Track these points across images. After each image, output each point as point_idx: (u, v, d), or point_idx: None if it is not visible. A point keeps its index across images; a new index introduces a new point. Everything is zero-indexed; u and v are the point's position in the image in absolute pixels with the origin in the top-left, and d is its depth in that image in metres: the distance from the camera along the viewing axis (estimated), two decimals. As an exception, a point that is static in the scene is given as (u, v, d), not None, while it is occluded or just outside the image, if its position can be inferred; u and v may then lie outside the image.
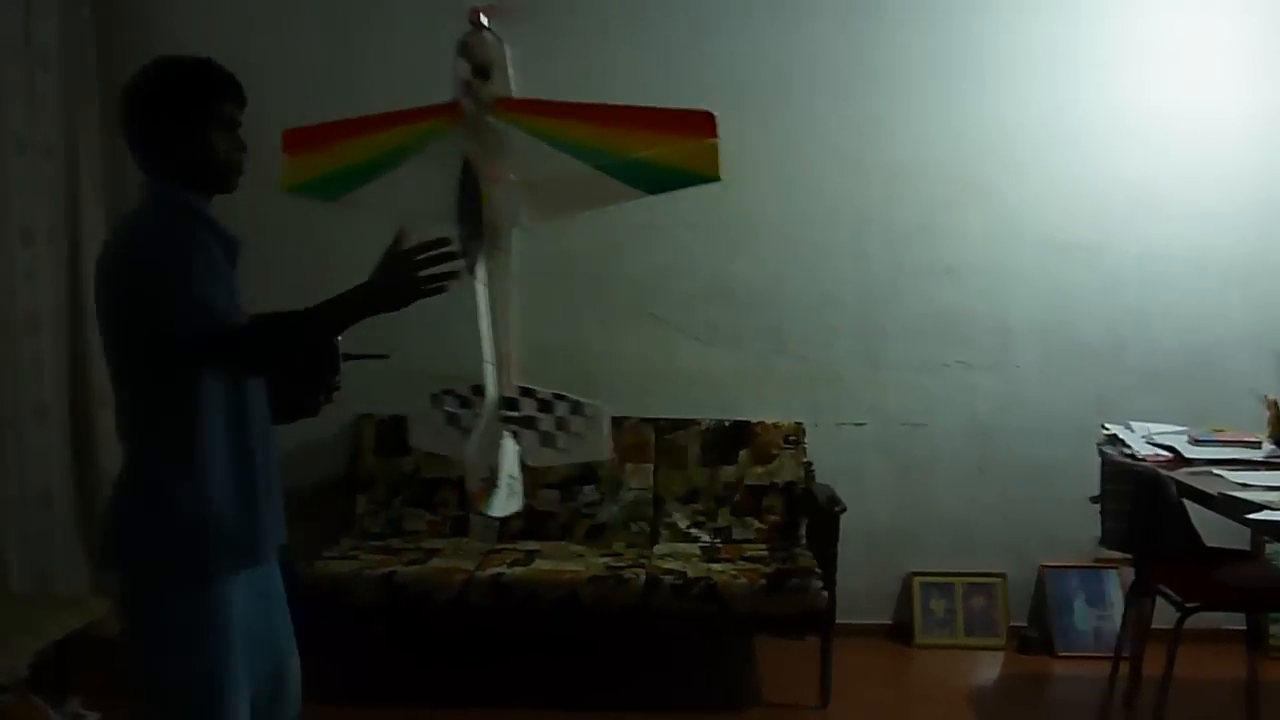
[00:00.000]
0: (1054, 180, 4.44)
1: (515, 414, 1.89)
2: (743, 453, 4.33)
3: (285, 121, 2.41)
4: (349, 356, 2.31)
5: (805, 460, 4.34)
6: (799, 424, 4.38)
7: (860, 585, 4.26)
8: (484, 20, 1.83)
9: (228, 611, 2.00)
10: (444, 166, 1.82)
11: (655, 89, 4.39)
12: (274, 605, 2.18)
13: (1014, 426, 4.47)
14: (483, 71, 1.81)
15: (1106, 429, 3.74)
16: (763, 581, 3.67)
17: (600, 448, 1.95)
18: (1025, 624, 4.46)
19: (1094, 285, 4.46)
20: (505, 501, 1.91)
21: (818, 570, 3.75)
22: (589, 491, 4.29)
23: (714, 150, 1.76)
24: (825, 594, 3.66)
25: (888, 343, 4.51)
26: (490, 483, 1.86)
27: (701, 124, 1.76)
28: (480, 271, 1.82)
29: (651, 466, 4.33)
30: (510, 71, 1.81)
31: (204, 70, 2.10)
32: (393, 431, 4.28)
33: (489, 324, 1.86)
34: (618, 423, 4.33)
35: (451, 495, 4.28)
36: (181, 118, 2.02)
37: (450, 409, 1.95)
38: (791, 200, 4.49)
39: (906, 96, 4.45)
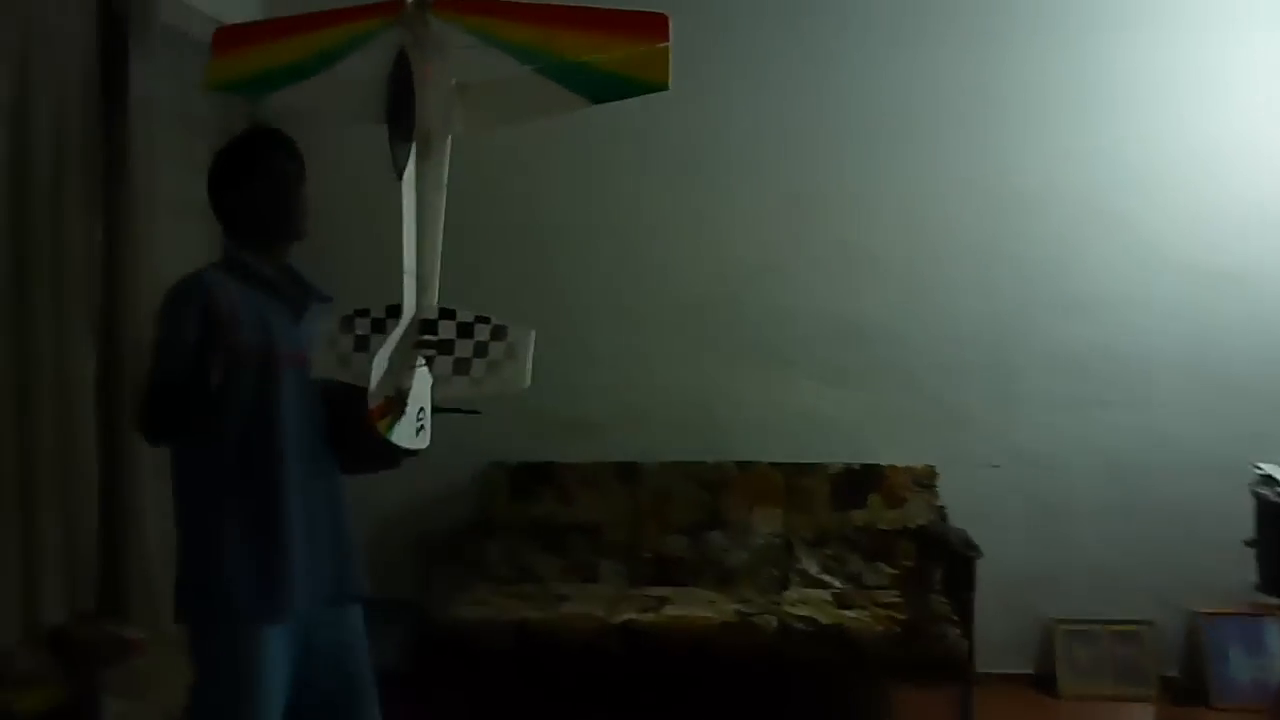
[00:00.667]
0: (1192, 207, 4.28)
1: (432, 337, 1.72)
2: (873, 496, 4.26)
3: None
4: (434, 410, 2.29)
5: (938, 504, 4.24)
6: (930, 466, 4.29)
7: (999, 632, 4.11)
8: None
9: (253, 659, 2.08)
10: (380, 66, 1.70)
11: (775, 125, 4.41)
12: (345, 654, 2.23)
13: (1158, 466, 4.28)
14: None
15: (1260, 469, 3.55)
16: (898, 629, 3.59)
17: (519, 378, 1.73)
18: (1177, 674, 4.25)
19: (1240, 316, 4.26)
20: (411, 433, 1.79)
21: (954, 617, 3.65)
22: (718, 536, 4.27)
23: (665, 55, 1.63)
24: (963, 641, 3.55)
25: (1021, 381, 4.38)
26: (397, 405, 1.76)
27: (655, 26, 1.63)
28: (409, 174, 1.69)
29: (780, 511, 4.29)
30: None
31: (249, 134, 2.34)
32: (525, 478, 4.36)
33: (414, 233, 1.70)
34: (746, 466, 4.34)
35: (583, 541, 4.32)
36: (230, 181, 2.23)
37: (361, 332, 1.73)
38: (916, 235, 4.43)
39: (1033, 124, 4.36)
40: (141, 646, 3.30)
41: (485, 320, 1.74)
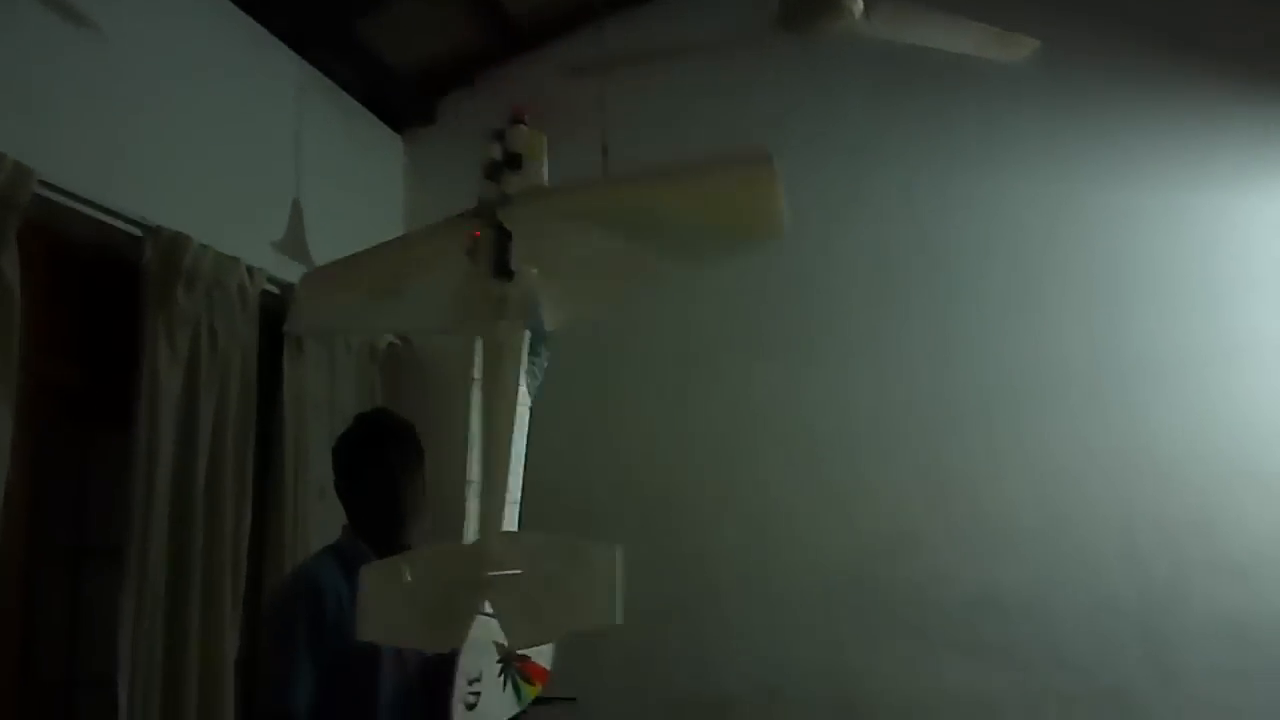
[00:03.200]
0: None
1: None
2: (1028, 783, 3.96)
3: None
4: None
5: (1101, 794, 3.91)
6: (1089, 751, 3.98)
7: None
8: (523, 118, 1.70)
9: None
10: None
11: (898, 398, 4.43)
12: None
13: (1350, 748, 3.90)
14: (513, 160, 1.64)
15: None
16: None
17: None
18: None
19: None
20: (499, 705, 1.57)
21: None
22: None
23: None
24: None
25: (1178, 654, 4.08)
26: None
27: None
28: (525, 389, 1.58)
29: (927, 801, 4.01)
30: (545, 165, 1.66)
31: (362, 423, 2.42)
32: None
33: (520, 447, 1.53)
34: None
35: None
36: (343, 470, 2.33)
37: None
38: (1053, 502, 4.28)
39: (1166, 385, 4.25)
40: None
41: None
